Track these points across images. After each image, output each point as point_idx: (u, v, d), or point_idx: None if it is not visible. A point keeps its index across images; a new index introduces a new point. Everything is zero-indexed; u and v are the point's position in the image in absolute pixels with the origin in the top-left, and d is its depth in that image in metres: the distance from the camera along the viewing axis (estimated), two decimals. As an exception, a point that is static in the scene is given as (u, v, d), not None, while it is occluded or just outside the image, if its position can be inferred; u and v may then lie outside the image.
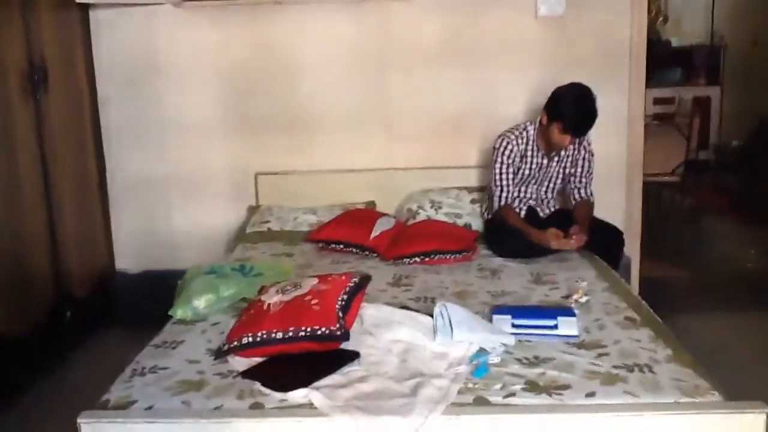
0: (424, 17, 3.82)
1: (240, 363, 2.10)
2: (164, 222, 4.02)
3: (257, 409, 1.85)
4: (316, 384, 1.92)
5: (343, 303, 2.20)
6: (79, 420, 1.82)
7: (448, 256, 3.12)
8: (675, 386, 1.88)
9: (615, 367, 2.01)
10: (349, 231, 3.34)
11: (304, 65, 3.88)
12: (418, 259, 3.12)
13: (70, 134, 3.65)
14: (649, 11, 4.27)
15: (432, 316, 2.27)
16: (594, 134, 3.46)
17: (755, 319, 3.83)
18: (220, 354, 2.16)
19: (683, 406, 1.79)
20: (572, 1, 3.78)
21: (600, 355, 2.10)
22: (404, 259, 3.14)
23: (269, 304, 2.22)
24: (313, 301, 2.19)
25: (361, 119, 3.93)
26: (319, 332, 2.08)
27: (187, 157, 3.96)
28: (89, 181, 3.86)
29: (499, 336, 2.18)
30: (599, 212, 3.46)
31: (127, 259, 4.06)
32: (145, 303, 3.56)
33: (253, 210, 3.92)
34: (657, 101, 6.74)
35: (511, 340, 2.18)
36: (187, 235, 4.00)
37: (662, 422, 1.76)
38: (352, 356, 2.08)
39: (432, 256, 3.12)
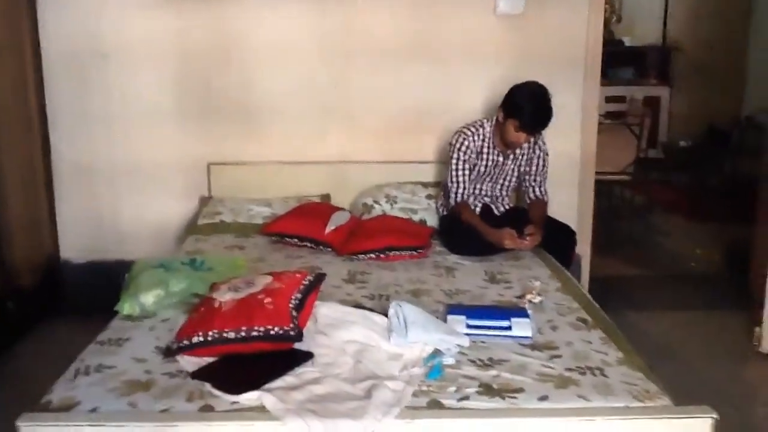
0: (385, 12, 3.78)
1: (190, 363, 2.04)
2: (112, 211, 3.90)
3: (207, 411, 1.80)
4: (269, 386, 1.88)
5: (297, 302, 2.16)
6: (18, 422, 1.74)
7: (403, 253, 3.11)
8: (626, 390, 1.90)
9: (568, 369, 2.02)
10: (304, 225, 3.30)
11: (263, 55, 3.80)
12: (373, 255, 3.10)
13: (14, 118, 3.51)
14: (604, 11, 4.32)
15: (387, 315, 2.26)
16: (549, 131, 3.48)
17: (701, 317, 3.93)
18: (169, 353, 2.10)
19: (634, 410, 1.81)
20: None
21: (553, 357, 2.11)
22: (359, 255, 3.11)
23: (221, 302, 2.17)
24: (266, 300, 2.14)
25: (318, 112, 3.88)
26: (272, 332, 2.04)
27: (137, 144, 3.85)
28: (34, 167, 3.72)
29: (453, 337, 2.18)
30: (552, 209, 3.50)
31: (73, 248, 3.93)
32: (91, 294, 3.47)
33: (205, 201, 3.83)
34: (609, 99, 6.83)
35: (465, 341, 2.18)
36: (135, 225, 3.89)
37: (614, 427, 1.78)
38: (306, 357, 2.05)
39: (387, 252, 3.10)
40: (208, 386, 1.90)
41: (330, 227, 3.25)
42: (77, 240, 3.93)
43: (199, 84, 3.82)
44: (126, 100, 3.80)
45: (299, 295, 2.19)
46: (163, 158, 3.86)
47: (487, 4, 3.80)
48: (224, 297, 2.19)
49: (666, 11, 7.66)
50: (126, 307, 2.43)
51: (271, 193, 3.80)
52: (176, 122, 3.84)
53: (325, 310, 2.29)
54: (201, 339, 2.06)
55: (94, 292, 3.25)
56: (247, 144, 3.87)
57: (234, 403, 1.83)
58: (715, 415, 1.77)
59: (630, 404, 1.84)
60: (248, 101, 3.84)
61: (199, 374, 1.97)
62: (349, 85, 3.85)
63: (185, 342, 2.08)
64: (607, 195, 5.64)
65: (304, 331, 2.11)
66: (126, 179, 3.87)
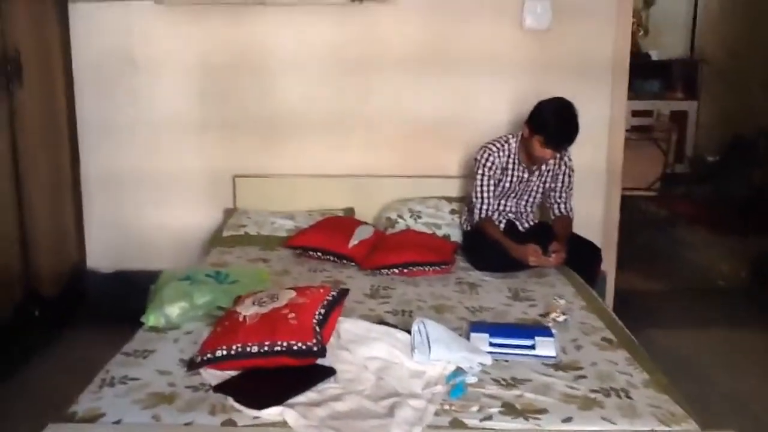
0: (408, 23, 3.79)
1: (213, 376, 2.06)
2: (138, 221, 3.94)
3: (229, 426, 1.81)
4: (291, 401, 1.89)
5: (321, 317, 2.17)
6: (44, 433, 1.77)
7: (426, 268, 3.10)
8: (651, 413, 1.88)
9: (592, 390, 2.00)
10: (328, 238, 3.30)
11: (285, 67, 3.83)
12: (396, 270, 3.10)
13: (44, 129, 3.55)
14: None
15: (409, 332, 2.25)
16: (575, 145, 3.45)
17: (725, 334, 3.87)
18: (192, 366, 2.12)
19: (660, 434, 1.79)
20: (558, 13, 3.78)
21: (577, 377, 2.10)
22: (382, 270, 3.11)
23: (245, 316, 2.18)
24: (290, 315, 2.15)
25: (341, 124, 3.89)
26: (295, 347, 2.05)
27: (163, 155, 3.89)
28: (62, 177, 3.77)
29: (476, 355, 2.17)
30: (577, 223, 3.47)
31: (99, 258, 3.98)
32: (116, 303, 3.49)
33: (229, 213, 3.86)
34: (635, 113, 6.80)
35: (488, 360, 2.16)
36: (161, 235, 3.93)
37: (639, 450, 1.76)
38: (328, 373, 2.05)
39: (410, 267, 3.09)
40: (230, 400, 1.91)
41: (353, 241, 3.25)
42: (103, 249, 3.98)
43: (224, 96, 3.85)
44: (153, 111, 3.85)
45: (323, 311, 2.19)
46: (189, 169, 3.91)
47: (514, 18, 3.79)
48: (248, 311, 2.20)
49: (694, 24, 7.60)
50: (151, 318, 2.46)
51: (294, 206, 3.82)
52: (202, 134, 3.88)
53: (348, 326, 2.29)
54: (225, 353, 2.07)
55: (119, 302, 3.29)
56: (272, 156, 3.90)
57: (256, 417, 1.84)
58: (742, 441, 1.74)
59: (656, 428, 1.82)
60: (272, 113, 3.86)
61: (222, 388, 1.99)
62: (370, 98, 3.86)
63: (209, 355, 2.09)
64: (630, 209, 5.59)
65: (327, 346, 2.12)
66: (152, 189, 3.92)
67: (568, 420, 1.84)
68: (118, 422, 1.83)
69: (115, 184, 3.92)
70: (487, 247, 3.20)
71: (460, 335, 2.32)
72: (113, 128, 3.87)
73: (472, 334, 2.30)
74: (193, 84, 3.84)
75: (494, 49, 3.82)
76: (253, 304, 2.24)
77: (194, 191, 3.93)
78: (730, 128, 6.93)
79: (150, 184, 3.91)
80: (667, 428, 1.81)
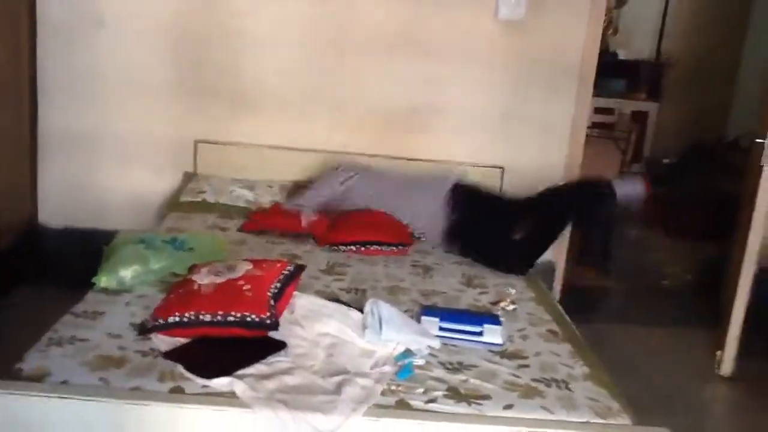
0: (384, 6, 3.77)
1: (164, 342, 2.06)
2: (95, 181, 3.86)
3: (177, 393, 1.82)
4: (240, 373, 1.91)
5: (276, 291, 2.19)
6: (-13, 389, 1.75)
7: (383, 248, 3.13)
8: (589, 405, 1.95)
9: (534, 380, 2.07)
10: (283, 220, 3.31)
11: (258, 37, 3.77)
12: (353, 248, 3.12)
13: (4, 83, 3.47)
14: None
15: (362, 311, 2.29)
16: (537, 139, 3.51)
17: (669, 334, 4.00)
18: (144, 331, 2.11)
19: (594, 426, 1.86)
20: (532, 5, 3.81)
21: (521, 366, 2.16)
22: (340, 246, 3.13)
23: (200, 285, 2.19)
24: (245, 287, 2.16)
25: (310, 100, 3.86)
26: (248, 319, 2.07)
27: (126, 116, 3.80)
28: (20, 132, 3.68)
29: (425, 338, 2.21)
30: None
31: (52, 214, 3.90)
32: (68, 262, 3.47)
33: (189, 177, 3.82)
34: (597, 110, 6.88)
35: (436, 343, 2.21)
36: (118, 196, 3.86)
37: (574, 441, 1.83)
38: (279, 346, 2.07)
39: (368, 246, 3.12)
40: (180, 368, 1.92)
41: (304, 220, 3.27)
42: (58, 206, 3.89)
43: (191, 61, 3.77)
44: (118, 72, 3.75)
45: (278, 285, 2.21)
46: (150, 131, 3.83)
47: (488, 7, 3.81)
48: (204, 280, 2.20)
49: (663, 26, 7.72)
50: (103, 279, 2.43)
51: (255, 175, 3.80)
52: (167, 97, 3.81)
53: (302, 301, 2.31)
54: (177, 320, 2.08)
55: (71, 261, 3.27)
56: (237, 125, 3.85)
57: (205, 386, 1.85)
58: (671, 437, 1.83)
59: (591, 420, 1.89)
60: (240, 83, 3.81)
61: (172, 355, 1.99)
62: (340, 76, 3.84)
63: (161, 321, 2.10)
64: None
65: (280, 320, 2.14)
66: (112, 149, 3.84)
67: (509, 407, 1.90)
68: (64, 383, 1.83)
69: (74, 142, 3.82)
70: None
71: (411, 318, 2.36)
72: (76, 87, 3.76)
73: (423, 318, 2.35)
74: (161, 46, 3.75)
75: (467, 37, 3.84)
76: (209, 273, 2.25)
77: (155, 154, 3.86)
78: (690, 132, 7.10)
79: (110, 145, 3.83)
80: (602, 421, 1.89)
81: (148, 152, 3.86)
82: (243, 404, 1.80)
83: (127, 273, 2.46)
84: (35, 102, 3.76)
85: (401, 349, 2.14)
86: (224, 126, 3.85)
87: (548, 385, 2.04)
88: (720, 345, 3.48)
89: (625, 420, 1.90)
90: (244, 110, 3.85)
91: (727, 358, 3.44)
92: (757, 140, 3.25)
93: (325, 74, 3.83)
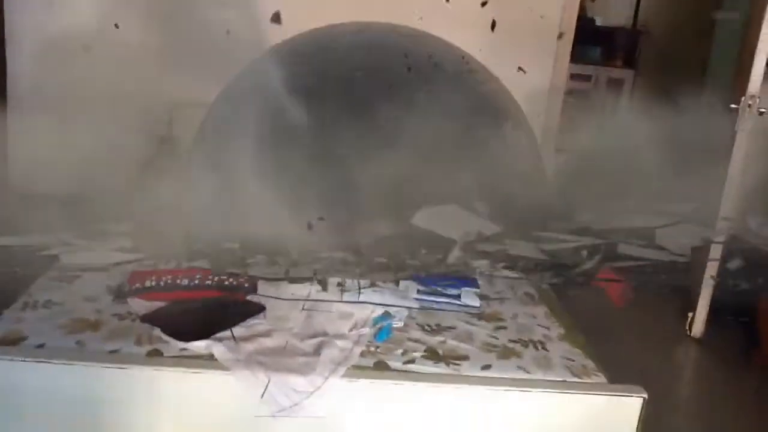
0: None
1: (141, 306, 2.05)
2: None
3: (155, 356, 1.82)
4: (218, 335, 1.90)
5: (254, 254, 2.18)
6: (-39, 353, 1.73)
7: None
8: (564, 365, 1.98)
9: (511, 341, 2.09)
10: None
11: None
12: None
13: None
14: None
15: (341, 275, 2.29)
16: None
17: (642, 297, 4.05)
18: (120, 294, 2.10)
19: (571, 385, 1.90)
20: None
21: (498, 328, 2.18)
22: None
23: (177, 248, 2.17)
24: (223, 250, 2.15)
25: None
26: (225, 282, 2.06)
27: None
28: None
29: (404, 301, 2.23)
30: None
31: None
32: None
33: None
34: (573, 77, 6.89)
35: (415, 306, 2.23)
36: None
37: (550, 399, 1.86)
38: (258, 309, 2.07)
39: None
40: (157, 331, 1.91)
41: None
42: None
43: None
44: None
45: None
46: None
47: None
48: (180, 244, 2.19)
49: (639, -6, 7.72)
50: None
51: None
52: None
53: (280, 264, 2.31)
54: (154, 283, 2.06)
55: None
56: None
57: (183, 349, 1.85)
58: (645, 395, 1.87)
59: (567, 379, 1.92)
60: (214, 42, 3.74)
61: (150, 318, 1.98)
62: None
63: (137, 285, 2.08)
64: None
65: (258, 283, 2.13)
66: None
67: (486, 367, 1.93)
68: (40, 346, 1.81)
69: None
70: None
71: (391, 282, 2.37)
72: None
73: (402, 282, 2.36)
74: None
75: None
76: (186, 237, 2.23)
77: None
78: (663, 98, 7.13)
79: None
80: (577, 380, 1.92)
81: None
82: (221, 367, 1.80)
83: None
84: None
85: (380, 311, 2.15)
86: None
87: (525, 346, 2.07)
88: (691, 308, 3.54)
89: (600, 378, 1.94)
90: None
91: (698, 320, 3.51)
92: (731, 105, 3.27)
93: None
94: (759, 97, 2.99)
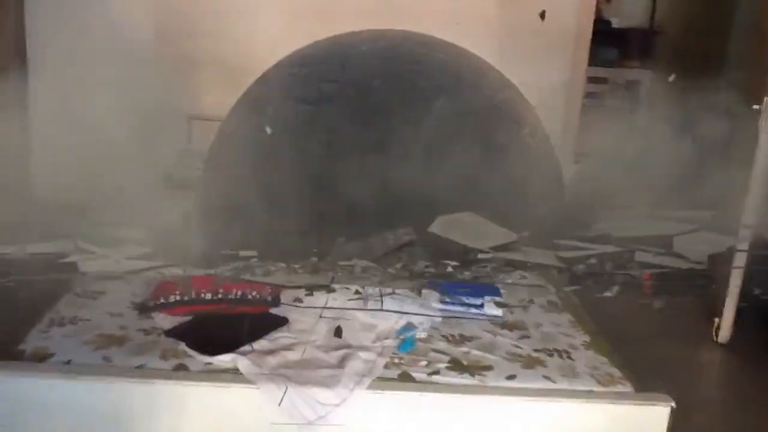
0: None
1: (166, 320, 2.06)
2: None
3: (181, 371, 1.83)
4: (243, 349, 1.91)
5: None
6: (-9, 371, 1.75)
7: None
8: (590, 374, 1.96)
9: (536, 350, 2.08)
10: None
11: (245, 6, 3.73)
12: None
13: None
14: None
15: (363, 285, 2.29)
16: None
17: (668, 303, 4.00)
18: (145, 309, 2.11)
19: (597, 395, 1.88)
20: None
21: (522, 337, 2.17)
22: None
23: (200, 263, 2.19)
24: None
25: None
26: (249, 296, 2.07)
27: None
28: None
29: (427, 311, 2.22)
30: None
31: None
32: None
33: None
34: (591, 80, 6.86)
35: (438, 316, 2.22)
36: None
37: (577, 409, 1.85)
38: (281, 322, 2.08)
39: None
40: (182, 345, 1.92)
41: None
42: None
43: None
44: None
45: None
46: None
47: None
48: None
49: (656, -6, 7.66)
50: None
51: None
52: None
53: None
54: (178, 298, 2.07)
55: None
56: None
57: (208, 364, 1.86)
58: (673, 404, 1.84)
59: (593, 388, 1.90)
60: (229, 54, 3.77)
61: (174, 333, 1.99)
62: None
63: (162, 300, 2.09)
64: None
65: (281, 296, 2.14)
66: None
67: (511, 377, 1.92)
68: (68, 362, 1.83)
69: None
70: None
71: (412, 291, 2.36)
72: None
73: (424, 291, 2.36)
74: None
75: (466, 4, 3.79)
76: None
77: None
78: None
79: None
80: (604, 389, 1.90)
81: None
82: (247, 381, 1.80)
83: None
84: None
85: (403, 322, 2.15)
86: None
87: (550, 355, 2.05)
88: (718, 312, 3.50)
89: (626, 387, 1.92)
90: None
91: (725, 326, 3.46)
92: (754, 106, 3.23)
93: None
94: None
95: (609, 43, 7.46)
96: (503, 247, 3.03)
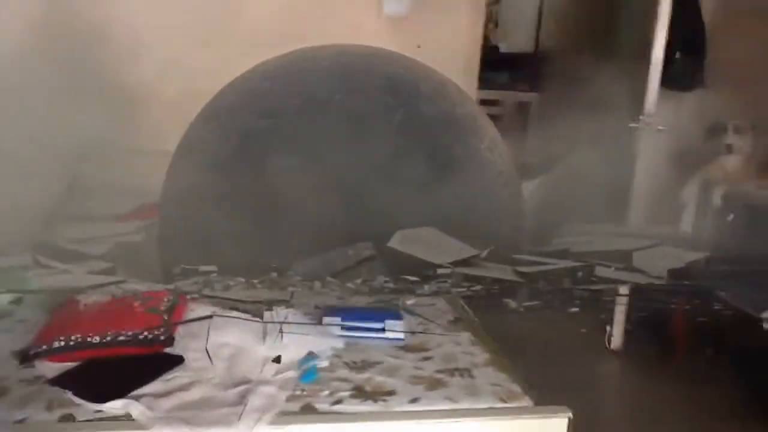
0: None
1: (50, 368, 1.94)
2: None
3: (68, 422, 1.72)
4: (136, 393, 1.82)
5: (169, 303, 2.10)
6: None
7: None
8: (491, 391, 1.98)
9: (438, 371, 2.09)
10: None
11: (140, 34, 3.63)
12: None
13: None
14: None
15: (261, 318, 2.24)
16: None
17: (560, 315, 4.14)
18: (27, 358, 1.98)
19: (498, 411, 1.90)
20: (417, 1, 3.86)
21: (424, 358, 2.18)
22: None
23: (86, 304, 2.08)
24: (135, 302, 2.07)
25: (191, 100, 3.74)
26: (141, 336, 1.98)
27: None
28: None
29: (328, 339, 2.20)
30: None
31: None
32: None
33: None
34: (483, 102, 7.09)
35: (339, 343, 2.20)
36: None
37: (479, 427, 1.86)
38: (176, 361, 2.00)
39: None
40: (69, 394, 1.81)
41: None
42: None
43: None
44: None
45: (171, 296, 2.13)
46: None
47: (372, 3, 3.83)
48: (89, 299, 2.09)
49: (540, 18, 8.02)
50: (-23, 305, 2.27)
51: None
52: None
53: (198, 312, 2.23)
54: (63, 344, 1.96)
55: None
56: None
57: (98, 411, 1.76)
58: (570, 415, 1.89)
59: (494, 405, 1.93)
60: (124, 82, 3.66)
61: (60, 381, 1.88)
62: (225, 73, 3.74)
63: (45, 347, 1.97)
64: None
65: (175, 334, 2.06)
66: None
67: (414, 401, 1.91)
68: (-60, 421, 1.69)
69: None
70: None
71: (312, 319, 2.34)
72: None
73: (325, 318, 2.33)
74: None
75: (352, 34, 3.83)
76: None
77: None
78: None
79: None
80: (504, 405, 1.93)
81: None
82: (141, 427, 1.72)
83: (4, 297, 2.30)
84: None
85: (304, 352, 2.11)
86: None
87: (451, 375, 2.07)
88: (609, 321, 3.66)
89: (526, 402, 1.96)
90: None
91: (617, 333, 3.63)
92: (630, 125, 3.43)
93: (207, 72, 3.70)
94: (655, 115, 3.15)
95: (498, 67, 7.77)
96: (462, 262, 3.06)
